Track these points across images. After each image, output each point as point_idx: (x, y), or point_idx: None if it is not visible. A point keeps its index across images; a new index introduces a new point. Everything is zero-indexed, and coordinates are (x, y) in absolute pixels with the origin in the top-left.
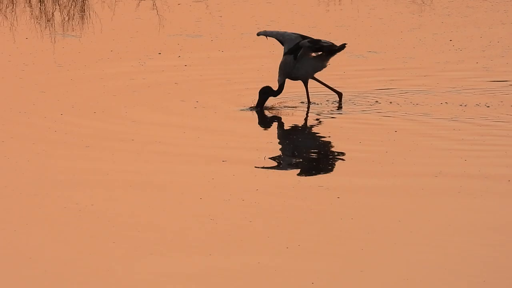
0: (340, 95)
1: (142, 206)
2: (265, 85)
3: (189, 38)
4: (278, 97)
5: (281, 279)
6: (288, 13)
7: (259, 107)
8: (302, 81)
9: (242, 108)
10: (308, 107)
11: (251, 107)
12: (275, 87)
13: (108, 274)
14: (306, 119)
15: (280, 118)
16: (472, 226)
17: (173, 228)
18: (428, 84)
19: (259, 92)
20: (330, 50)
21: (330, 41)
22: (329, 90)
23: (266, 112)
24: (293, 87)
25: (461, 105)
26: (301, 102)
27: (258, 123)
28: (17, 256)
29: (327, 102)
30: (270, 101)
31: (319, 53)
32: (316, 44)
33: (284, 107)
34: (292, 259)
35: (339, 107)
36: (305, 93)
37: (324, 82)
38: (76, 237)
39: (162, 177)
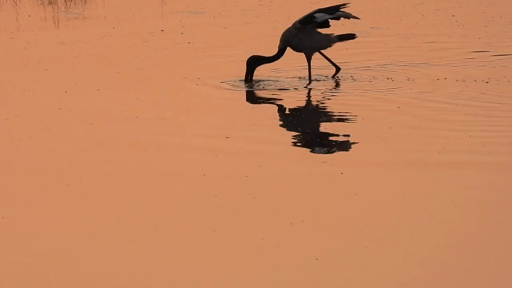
0: (338, 69)
1: (145, 182)
2: (251, 55)
3: (192, 15)
4: (277, 67)
5: (285, 255)
6: None
7: (248, 78)
8: (305, 55)
9: (237, 79)
10: (309, 83)
11: (240, 80)
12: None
13: (111, 251)
14: (308, 95)
15: (281, 95)
16: (476, 201)
17: (176, 205)
18: (430, 59)
19: (246, 63)
20: (345, 16)
21: (348, 13)
22: (328, 63)
23: (268, 89)
24: (294, 59)
25: (464, 80)
26: (299, 78)
27: (259, 100)
28: (20, 233)
29: (326, 78)
30: (272, 75)
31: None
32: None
33: (285, 83)
34: (296, 235)
35: (337, 85)
36: (307, 68)
37: (325, 55)
38: (80, 214)
39: (165, 154)
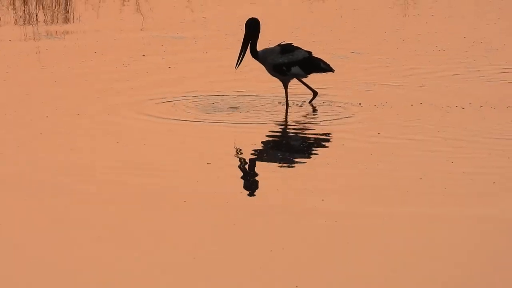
0: (315, 94)
1: (127, 206)
2: (253, 18)
3: (173, 39)
4: (258, 99)
5: (266, 283)
6: (272, 14)
7: (242, 53)
8: (280, 80)
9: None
10: (287, 110)
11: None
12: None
13: (82, 276)
14: (285, 120)
15: (261, 121)
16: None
17: (157, 232)
18: (411, 84)
19: (247, 25)
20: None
21: (327, 65)
22: (307, 88)
23: (247, 113)
24: (274, 86)
25: (445, 106)
26: (279, 103)
27: (238, 127)
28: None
29: (303, 103)
30: (252, 104)
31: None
32: (309, 71)
33: (264, 109)
34: (276, 263)
35: (314, 109)
36: (284, 94)
37: (303, 80)
38: (59, 239)
39: (145, 180)
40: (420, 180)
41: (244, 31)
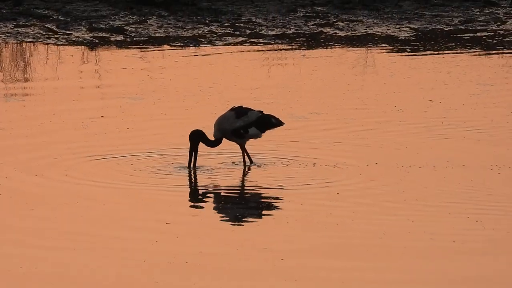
0: (251, 163)
1: (85, 268)
2: (194, 129)
3: (132, 101)
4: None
5: None
6: (230, 75)
7: (192, 158)
8: (238, 143)
9: (179, 166)
10: (249, 166)
11: (185, 167)
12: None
13: None
14: (242, 179)
15: (218, 178)
16: None
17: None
18: (370, 145)
19: (190, 138)
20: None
21: (277, 119)
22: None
23: (204, 173)
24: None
25: (405, 166)
26: (233, 163)
27: (198, 186)
28: None
29: (257, 167)
30: (209, 161)
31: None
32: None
33: (220, 167)
34: None
35: (270, 169)
36: (242, 154)
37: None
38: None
39: (105, 240)
40: (380, 239)
41: (189, 143)
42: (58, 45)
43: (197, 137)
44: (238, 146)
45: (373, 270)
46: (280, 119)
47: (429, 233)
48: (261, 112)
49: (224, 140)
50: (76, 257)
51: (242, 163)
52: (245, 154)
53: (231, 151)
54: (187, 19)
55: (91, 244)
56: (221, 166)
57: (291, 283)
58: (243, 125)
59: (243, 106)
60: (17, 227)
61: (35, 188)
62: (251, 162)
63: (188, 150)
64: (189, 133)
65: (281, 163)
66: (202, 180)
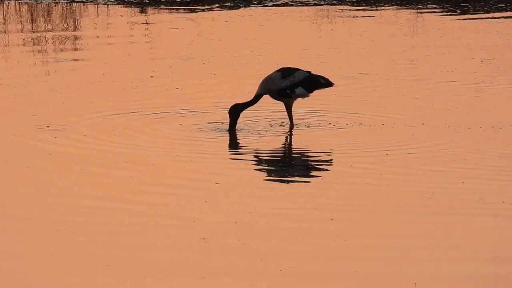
0: (292, 126)
1: (136, 228)
2: (233, 104)
3: (181, 61)
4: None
5: None
6: (280, 36)
7: (231, 129)
8: (284, 103)
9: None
10: (291, 129)
11: (225, 129)
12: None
13: None
14: (290, 141)
15: (265, 140)
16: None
17: (166, 251)
18: (420, 106)
19: (229, 113)
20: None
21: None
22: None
23: (253, 134)
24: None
25: (454, 127)
26: (281, 124)
27: (243, 146)
28: (14, 281)
29: (308, 125)
30: (258, 118)
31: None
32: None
33: (268, 129)
34: (286, 282)
35: (319, 130)
36: (287, 115)
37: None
38: (70, 260)
39: (156, 200)
40: (429, 199)
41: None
42: (108, 5)
43: (237, 110)
44: (285, 109)
45: (419, 231)
46: (329, 80)
47: (478, 194)
48: (309, 72)
49: (271, 100)
50: (125, 217)
51: (289, 124)
52: (291, 114)
53: (278, 113)
54: None
55: (140, 206)
56: (268, 127)
57: (341, 243)
58: (289, 85)
59: (291, 67)
60: (68, 186)
61: (84, 149)
62: (292, 125)
63: (229, 123)
64: (229, 109)
65: (329, 123)
66: (251, 141)
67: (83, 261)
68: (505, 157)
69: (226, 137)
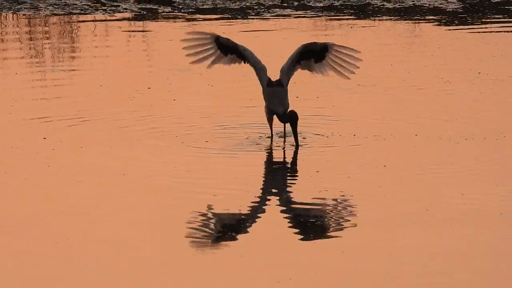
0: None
1: (132, 237)
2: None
3: (179, 73)
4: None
5: None
6: (278, 47)
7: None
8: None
9: (239, 143)
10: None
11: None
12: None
13: None
14: (287, 153)
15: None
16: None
17: (162, 260)
18: (419, 117)
19: (291, 116)
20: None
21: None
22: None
23: (256, 146)
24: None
25: (453, 138)
26: (279, 137)
27: (245, 159)
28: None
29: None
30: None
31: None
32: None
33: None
34: None
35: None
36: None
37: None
38: (68, 273)
39: (155, 211)
40: (427, 212)
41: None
42: (105, 17)
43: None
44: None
45: (419, 242)
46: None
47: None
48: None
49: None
50: (127, 230)
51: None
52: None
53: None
54: None
55: (153, 213)
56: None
57: (338, 256)
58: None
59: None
60: (68, 198)
61: (81, 160)
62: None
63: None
64: (293, 115)
65: (322, 135)
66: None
67: (81, 274)
68: (505, 167)
69: (225, 150)
